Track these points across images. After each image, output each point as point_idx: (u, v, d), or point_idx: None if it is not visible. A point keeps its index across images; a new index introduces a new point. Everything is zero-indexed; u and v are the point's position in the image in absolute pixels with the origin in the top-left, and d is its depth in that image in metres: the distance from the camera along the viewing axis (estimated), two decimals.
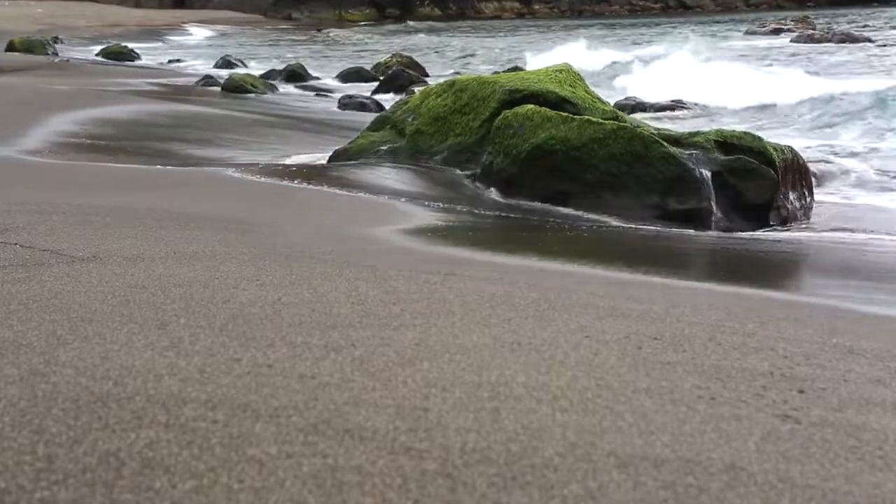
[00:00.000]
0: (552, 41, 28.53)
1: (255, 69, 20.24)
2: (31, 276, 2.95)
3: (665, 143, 6.28)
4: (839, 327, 3.01)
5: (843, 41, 25.38)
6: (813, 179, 7.06)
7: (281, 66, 19.98)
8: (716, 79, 15.24)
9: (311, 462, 1.65)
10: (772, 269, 5.23)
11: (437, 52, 30.58)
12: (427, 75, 18.99)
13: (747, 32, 31.87)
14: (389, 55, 21.76)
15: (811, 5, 58.69)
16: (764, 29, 31.59)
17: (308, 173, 6.57)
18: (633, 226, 5.95)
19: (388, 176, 6.77)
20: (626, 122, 6.84)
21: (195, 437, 1.73)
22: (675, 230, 5.91)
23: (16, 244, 3.42)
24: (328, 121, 11.97)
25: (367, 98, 14.66)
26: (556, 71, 7.51)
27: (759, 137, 6.63)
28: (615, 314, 2.87)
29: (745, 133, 6.68)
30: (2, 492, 1.50)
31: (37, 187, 5.25)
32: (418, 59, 21.49)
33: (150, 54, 26.32)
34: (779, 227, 6.26)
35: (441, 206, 5.86)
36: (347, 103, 13.89)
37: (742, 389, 2.19)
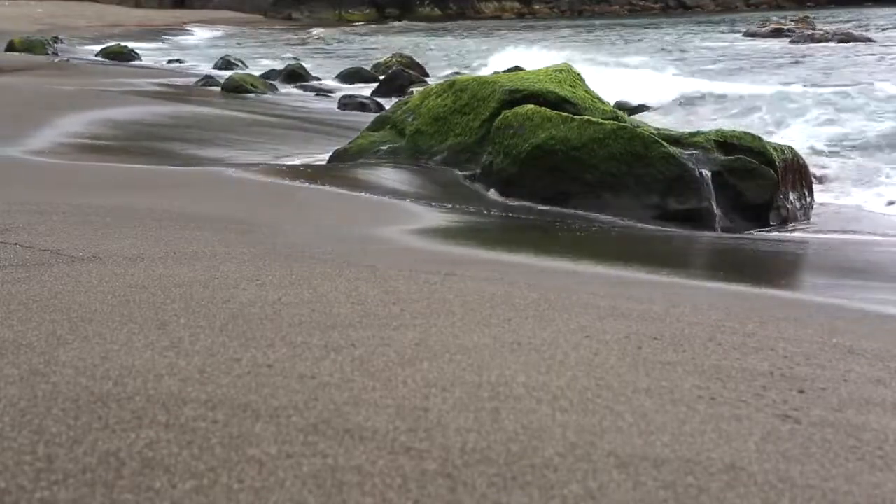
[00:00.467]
0: (516, 42, 28.34)
1: (255, 69, 20.24)
2: (31, 276, 2.95)
3: (665, 143, 6.29)
4: (839, 327, 3.01)
5: (843, 41, 25.37)
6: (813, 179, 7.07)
7: (281, 67, 19.98)
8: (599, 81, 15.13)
9: (311, 462, 1.65)
10: (772, 269, 5.23)
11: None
12: (427, 75, 18.98)
13: (746, 34, 31.78)
14: (389, 55, 21.73)
15: (811, 5, 58.70)
16: (764, 29, 31.55)
17: (308, 173, 6.57)
18: (633, 225, 5.96)
19: (389, 176, 6.78)
20: (626, 122, 6.84)
21: (195, 437, 1.73)
22: (675, 230, 5.91)
23: (16, 244, 3.42)
24: (328, 121, 11.97)
25: (367, 98, 14.66)
26: (556, 71, 7.51)
27: (759, 137, 6.64)
28: (615, 314, 2.87)
29: (745, 133, 6.68)
30: (2, 492, 1.50)
31: (37, 187, 5.25)
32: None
33: (150, 54, 26.31)
34: (779, 227, 6.27)
35: (441, 206, 5.86)
36: (347, 103, 13.90)
37: (742, 389, 2.19)
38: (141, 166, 6.61)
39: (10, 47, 22.43)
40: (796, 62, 21.21)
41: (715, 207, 6.16)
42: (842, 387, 2.29)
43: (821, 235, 6.08)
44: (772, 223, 6.31)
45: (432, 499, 1.56)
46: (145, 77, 16.65)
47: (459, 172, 6.98)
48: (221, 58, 22.28)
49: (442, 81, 7.97)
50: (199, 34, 42.89)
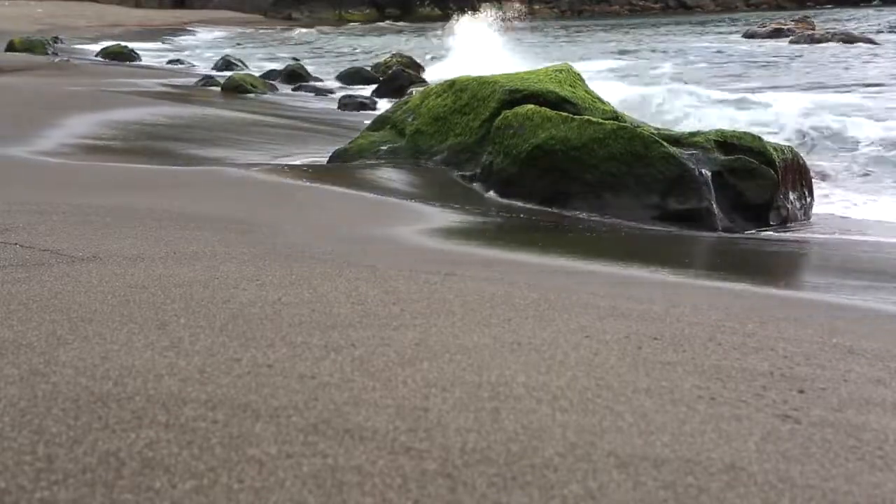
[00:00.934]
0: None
1: (255, 69, 20.23)
2: (31, 276, 2.95)
3: (665, 143, 6.29)
4: (839, 327, 3.01)
5: (843, 41, 25.34)
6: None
7: (281, 67, 19.97)
8: None
9: (311, 462, 1.65)
10: (772, 269, 5.23)
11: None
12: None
13: (746, 35, 31.71)
14: (389, 55, 21.72)
15: (811, 5, 58.67)
16: (764, 30, 31.51)
17: (308, 173, 6.57)
18: (633, 226, 5.95)
19: (389, 176, 6.78)
20: (626, 122, 6.84)
21: (195, 437, 1.73)
22: (675, 230, 5.91)
23: (16, 244, 3.42)
24: (328, 121, 11.98)
25: (367, 98, 14.66)
26: (556, 71, 7.51)
27: (759, 137, 6.64)
28: (615, 314, 2.87)
29: (745, 133, 6.68)
30: (2, 492, 1.50)
31: (37, 187, 5.25)
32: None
33: (150, 54, 26.30)
34: (779, 227, 6.27)
35: (441, 206, 5.86)
36: (347, 103, 13.90)
37: (742, 389, 2.19)
38: (141, 166, 6.61)
39: (10, 47, 22.42)
40: (772, 63, 21.12)
41: (715, 207, 6.16)
42: (842, 387, 2.29)
43: (821, 235, 6.08)
44: (772, 223, 6.31)
45: (432, 499, 1.56)
46: (145, 77, 16.65)
47: (459, 172, 6.98)
48: (221, 58, 22.27)
49: (441, 81, 7.97)
50: (199, 34, 42.89)
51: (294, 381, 2.04)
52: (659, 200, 6.17)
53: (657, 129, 6.85)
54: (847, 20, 39.32)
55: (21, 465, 1.59)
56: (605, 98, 7.55)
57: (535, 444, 1.78)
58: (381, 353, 2.28)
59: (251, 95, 14.94)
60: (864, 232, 6.21)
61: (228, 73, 17.69)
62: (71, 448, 1.66)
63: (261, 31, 47.78)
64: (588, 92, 7.41)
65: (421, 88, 11.37)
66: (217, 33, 43.69)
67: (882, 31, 29.73)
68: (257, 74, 17.95)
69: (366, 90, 16.46)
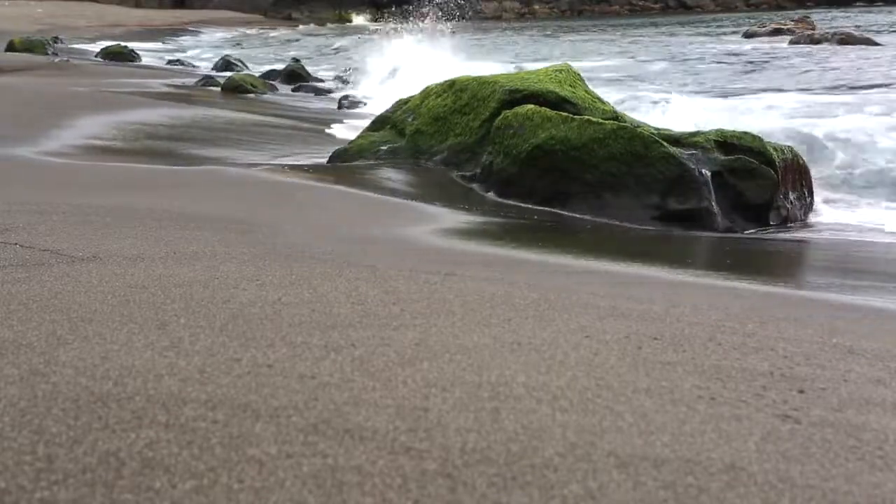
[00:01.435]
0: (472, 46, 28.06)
1: (255, 69, 20.23)
2: (31, 276, 2.95)
3: (665, 143, 6.29)
4: (839, 327, 3.01)
5: (843, 42, 25.31)
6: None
7: (281, 67, 19.97)
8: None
9: (311, 462, 1.65)
10: (772, 269, 5.23)
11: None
12: None
13: (746, 35, 31.67)
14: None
15: (811, 5, 58.64)
16: (764, 29, 31.49)
17: (308, 173, 6.57)
18: (633, 226, 5.96)
19: (388, 176, 6.78)
20: (626, 122, 6.84)
21: (195, 437, 1.73)
22: (675, 230, 5.91)
23: (16, 244, 3.42)
24: (328, 121, 11.98)
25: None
26: (556, 71, 7.51)
27: (760, 137, 6.64)
28: (615, 314, 2.87)
29: (745, 133, 6.68)
30: (2, 492, 1.50)
31: (37, 187, 5.25)
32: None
33: (150, 54, 26.31)
34: (779, 227, 6.27)
35: (441, 206, 5.86)
36: (347, 104, 13.90)
37: (742, 389, 2.19)
38: (141, 166, 6.61)
39: (10, 47, 22.42)
40: (770, 63, 21.04)
41: (715, 207, 6.16)
42: (842, 387, 2.29)
43: (820, 236, 6.08)
44: (772, 223, 6.31)
45: (432, 499, 1.56)
46: (145, 77, 16.65)
47: (459, 172, 6.99)
48: (221, 58, 22.27)
49: (442, 81, 7.97)
50: (199, 34, 42.89)
51: (294, 381, 2.04)
52: (659, 200, 6.18)
53: (657, 129, 6.85)
54: (848, 20, 39.31)
55: (21, 465, 1.59)
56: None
57: (535, 444, 1.78)
58: (381, 353, 2.28)
59: (251, 95, 14.95)
60: (863, 233, 6.21)
61: (228, 74, 17.69)
62: (71, 448, 1.66)
63: (261, 31, 47.77)
64: (588, 92, 7.41)
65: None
66: (217, 33, 43.69)
67: (883, 32, 29.70)
68: (257, 74, 17.95)
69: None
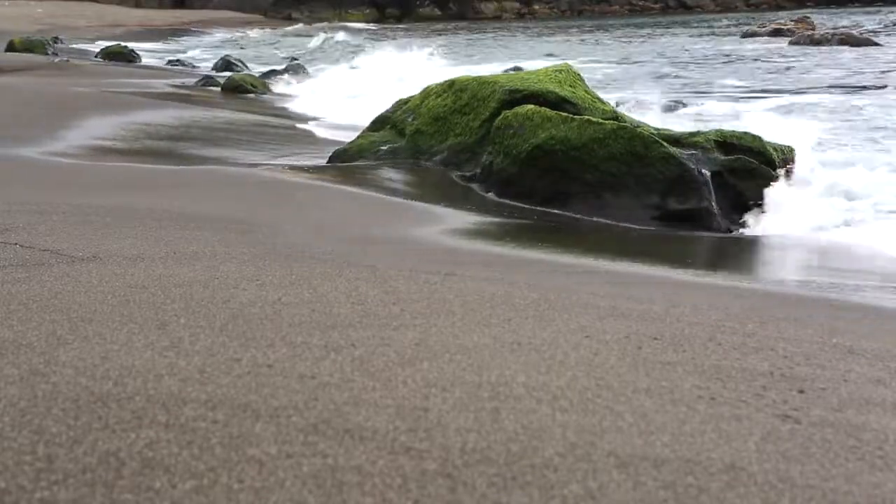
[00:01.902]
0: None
1: (255, 69, 20.22)
2: (31, 276, 2.95)
3: (665, 144, 6.28)
4: (839, 327, 3.01)
5: (843, 42, 25.27)
6: None
7: (281, 67, 19.97)
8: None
9: (311, 462, 1.65)
10: (772, 269, 5.23)
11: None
12: None
13: (745, 35, 31.60)
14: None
15: (811, 5, 58.62)
16: (764, 30, 31.46)
17: (308, 173, 6.57)
18: (633, 226, 5.95)
19: (388, 176, 6.78)
20: (626, 122, 6.84)
21: (195, 437, 1.73)
22: (675, 230, 5.91)
23: (16, 244, 3.42)
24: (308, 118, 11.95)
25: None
26: (556, 71, 7.51)
27: (760, 137, 6.64)
28: (615, 314, 2.87)
29: (745, 133, 6.68)
30: (2, 492, 1.50)
31: (37, 187, 5.25)
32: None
33: (150, 55, 26.31)
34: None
35: (441, 206, 5.86)
36: None
37: (742, 389, 2.19)
38: (141, 166, 6.61)
39: (10, 47, 22.41)
40: (766, 64, 20.96)
41: (715, 207, 6.16)
42: (842, 387, 2.29)
43: (820, 234, 6.08)
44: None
45: (432, 499, 1.56)
46: (145, 78, 16.65)
47: (459, 172, 6.99)
48: (221, 58, 22.26)
49: (442, 81, 7.97)
50: (199, 34, 42.90)
51: (294, 381, 2.04)
52: (659, 200, 6.17)
53: (657, 129, 6.84)
54: (848, 20, 39.30)
55: (21, 465, 1.59)
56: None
57: (535, 444, 1.78)
58: (381, 353, 2.28)
59: (251, 95, 14.94)
60: (861, 233, 6.20)
61: (228, 74, 17.68)
62: (71, 448, 1.66)
63: (261, 31, 47.76)
64: (588, 92, 7.41)
65: None
66: (217, 33, 43.69)
67: (880, 33, 29.66)
68: (257, 74, 17.95)
69: None
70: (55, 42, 25.83)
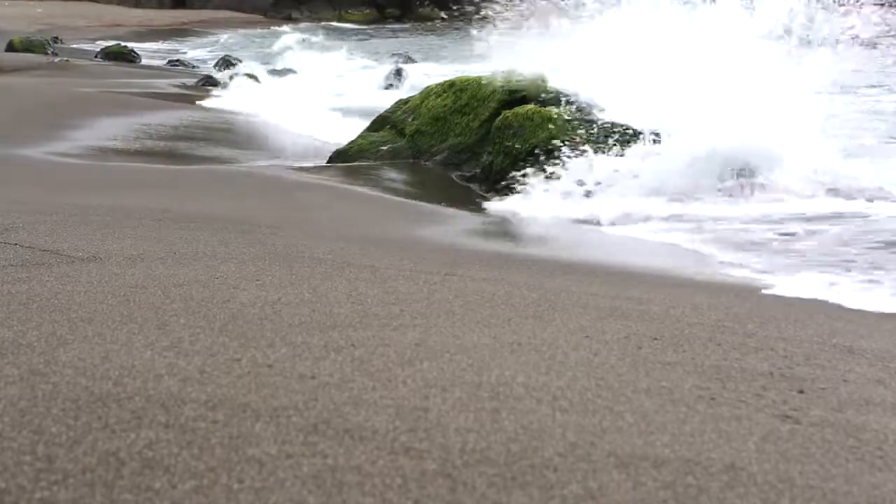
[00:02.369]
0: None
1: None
2: (31, 276, 2.95)
3: None
4: (839, 327, 3.01)
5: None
6: None
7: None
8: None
9: (311, 462, 1.65)
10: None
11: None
12: None
13: None
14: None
15: None
16: None
17: (308, 173, 6.58)
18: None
19: (388, 176, 6.78)
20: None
21: (195, 437, 1.73)
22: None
23: (16, 244, 3.42)
24: None
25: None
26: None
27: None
28: (615, 314, 2.87)
29: None
30: (2, 492, 1.50)
31: (37, 187, 5.25)
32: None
33: (150, 55, 26.29)
34: None
35: (441, 206, 5.86)
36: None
37: (742, 389, 2.19)
38: (140, 165, 6.61)
39: (10, 47, 22.39)
40: None
41: None
42: (842, 387, 2.29)
43: None
44: None
45: (432, 499, 1.56)
46: (145, 77, 16.65)
47: (459, 172, 6.99)
48: (221, 58, 22.25)
49: (442, 81, 7.97)
50: (199, 34, 42.89)
51: (294, 381, 2.04)
52: None
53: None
54: None
55: (21, 465, 1.59)
56: None
57: (535, 444, 1.78)
58: (381, 353, 2.28)
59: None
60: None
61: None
62: (71, 448, 1.66)
63: (261, 31, 47.75)
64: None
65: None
66: (217, 33, 43.68)
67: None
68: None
69: None
70: (55, 42, 25.81)
